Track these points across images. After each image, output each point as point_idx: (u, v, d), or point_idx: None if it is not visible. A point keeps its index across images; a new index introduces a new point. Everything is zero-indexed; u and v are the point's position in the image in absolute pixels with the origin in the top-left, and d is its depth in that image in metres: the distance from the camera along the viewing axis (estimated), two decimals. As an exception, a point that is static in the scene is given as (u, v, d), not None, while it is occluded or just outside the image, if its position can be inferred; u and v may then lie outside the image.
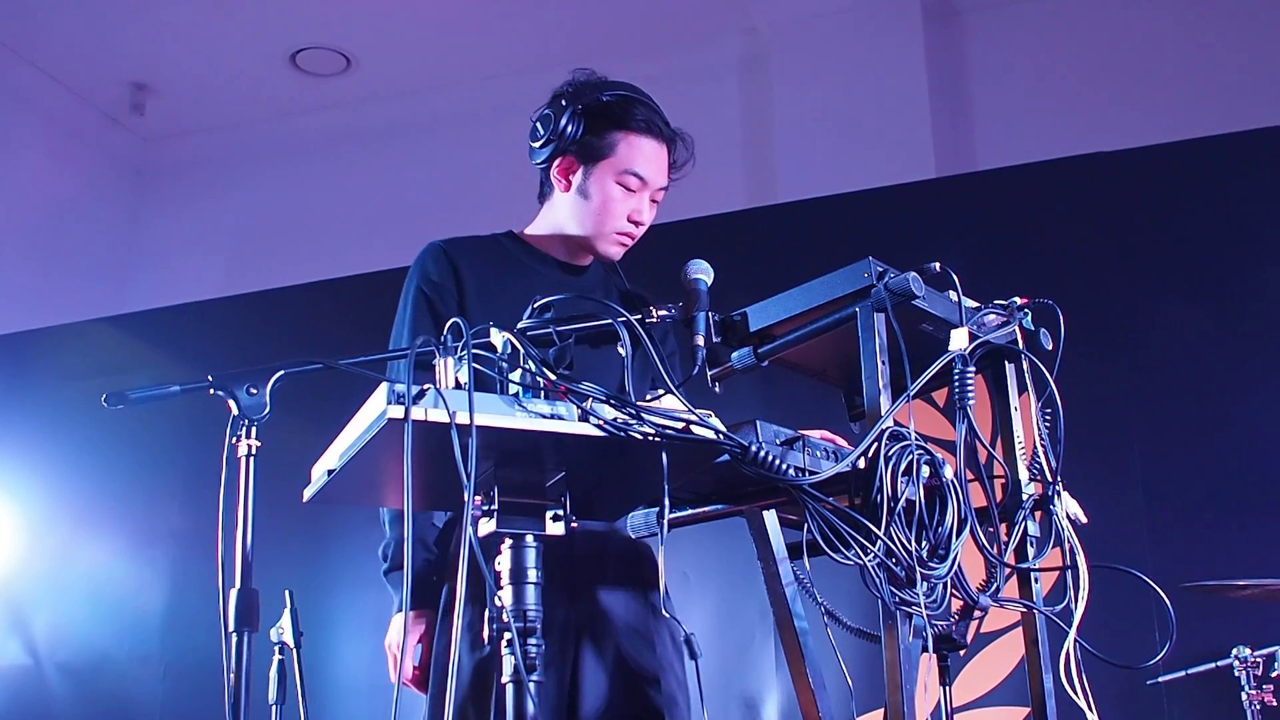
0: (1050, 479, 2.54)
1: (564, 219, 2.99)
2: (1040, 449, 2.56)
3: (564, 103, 2.91)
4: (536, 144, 2.95)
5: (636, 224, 2.96)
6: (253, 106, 7.68)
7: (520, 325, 2.34)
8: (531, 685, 2.04)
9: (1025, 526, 2.52)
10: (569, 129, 2.88)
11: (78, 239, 7.59)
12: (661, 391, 2.27)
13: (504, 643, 2.05)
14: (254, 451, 2.07)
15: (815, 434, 2.55)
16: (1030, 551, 2.52)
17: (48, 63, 7.23)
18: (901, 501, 2.20)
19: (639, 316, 2.36)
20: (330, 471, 2.05)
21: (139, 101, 7.49)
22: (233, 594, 2.02)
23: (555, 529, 2.15)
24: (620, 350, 2.24)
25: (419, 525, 2.78)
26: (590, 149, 2.90)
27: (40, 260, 7.23)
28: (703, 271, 2.57)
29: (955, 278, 2.45)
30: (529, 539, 2.14)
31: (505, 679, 2.06)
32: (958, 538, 2.28)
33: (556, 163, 2.95)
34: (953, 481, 2.29)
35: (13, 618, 6.09)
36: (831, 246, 5.12)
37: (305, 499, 2.16)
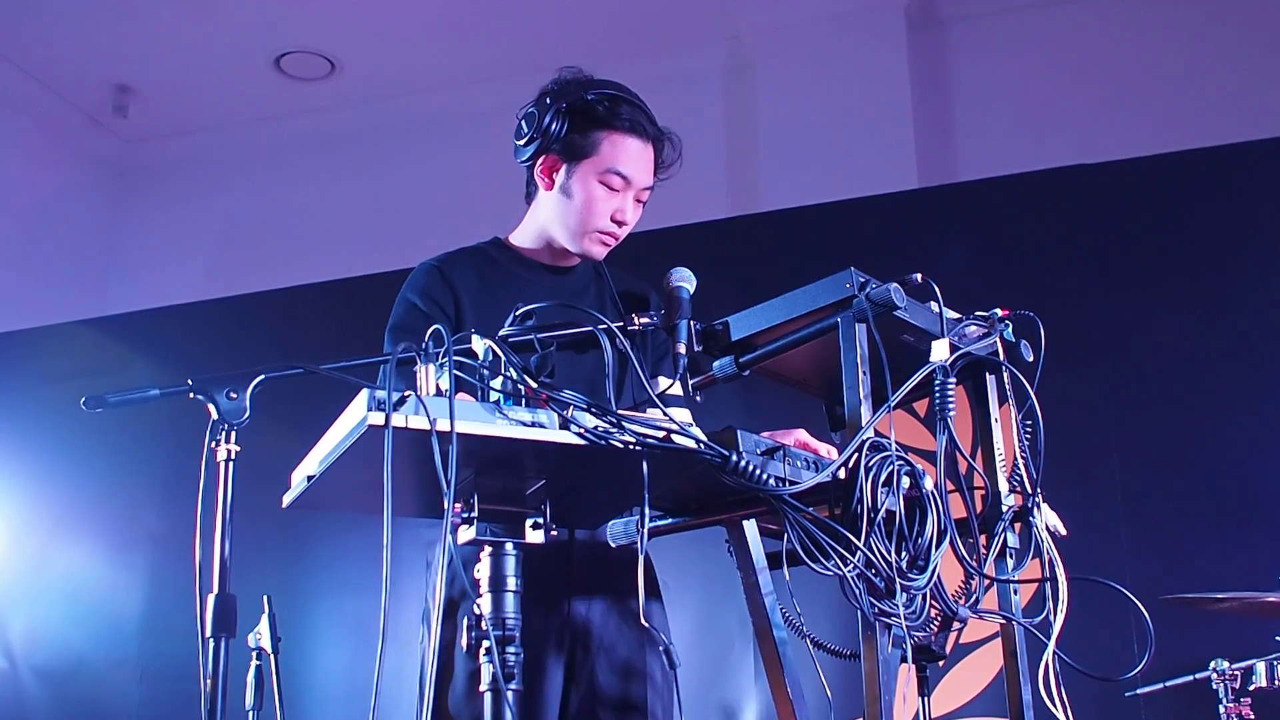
0: (1030, 490, 2.55)
1: (547, 219, 2.98)
2: (1020, 460, 2.57)
3: (549, 101, 2.90)
4: (521, 142, 2.94)
5: (620, 224, 2.94)
6: (236, 109, 7.66)
7: (501, 332, 2.33)
8: (510, 694, 2.03)
9: (1005, 538, 2.52)
10: (553, 127, 2.87)
11: (59, 241, 7.57)
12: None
13: (482, 651, 2.05)
14: (233, 456, 2.06)
15: (790, 435, 2.56)
16: (1009, 563, 2.53)
17: (30, 64, 7.21)
18: (881, 512, 2.20)
19: (620, 325, 2.36)
20: (310, 477, 2.05)
21: (122, 103, 7.47)
22: (210, 599, 2.01)
23: (535, 537, 2.15)
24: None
25: None
26: (574, 147, 2.89)
27: (20, 261, 7.20)
28: (685, 279, 2.57)
29: (937, 289, 2.45)
30: (508, 547, 2.14)
31: (484, 687, 2.06)
32: (937, 549, 2.28)
33: (540, 161, 2.94)
34: (933, 492, 2.30)
35: (-11, 620, 6.08)
36: (814, 256, 5.12)
37: (285, 505, 2.15)
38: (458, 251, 3.03)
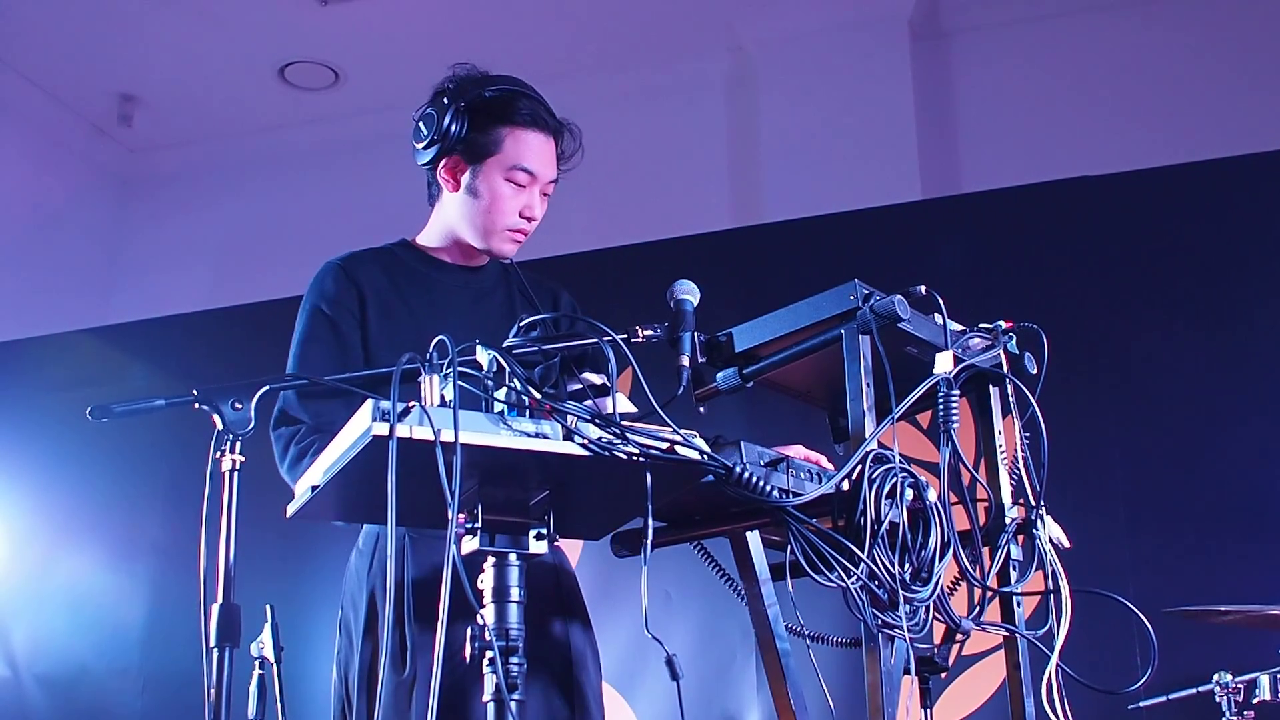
0: (1033, 503, 2.55)
1: (454, 219, 2.97)
2: (1024, 473, 2.57)
3: (446, 100, 2.89)
4: (420, 145, 2.94)
5: (529, 219, 2.92)
6: (240, 119, 7.66)
7: (506, 343, 2.34)
8: (514, 704, 2.03)
9: (1008, 550, 2.52)
10: (453, 128, 2.86)
11: (63, 249, 7.57)
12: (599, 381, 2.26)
13: (485, 661, 2.05)
14: (238, 466, 2.07)
15: (793, 450, 2.56)
16: (1013, 575, 2.53)
17: (35, 73, 7.22)
18: (885, 524, 2.21)
19: (625, 336, 2.37)
20: (314, 488, 2.05)
21: (126, 113, 7.47)
22: (215, 609, 2.02)
23: (539, 547, 2.15)
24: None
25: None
26: (476, 147, 2.87)
27: (24, 270, 7.20)
28: (688, 291, 2.57)
29: (940, 301, 2.45)
30: (512, 557, 2.14)
31: (487, 698, 2.06)
32: (940, 561, 2.28)
33: (443, 163, 2.93)
34: (936, 504, 2.30)
35: (-8, 628, 6.08)
36: (816, 268, 5.12)
37: (289, 515, 2.15)
38: (363, 251, 3.01)
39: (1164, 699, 3.89)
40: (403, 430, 1.87)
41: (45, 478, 6.16)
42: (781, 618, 2.46)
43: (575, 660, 2.76)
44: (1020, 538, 2.55)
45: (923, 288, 2.43)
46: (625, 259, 4.92)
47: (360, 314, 2.86)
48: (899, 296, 2.37)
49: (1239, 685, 3.75)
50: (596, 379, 2.67)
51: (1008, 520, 2.55)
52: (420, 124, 2.93)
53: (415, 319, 2.70)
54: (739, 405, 4.19)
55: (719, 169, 6.87)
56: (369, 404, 1.87)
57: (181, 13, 6.67)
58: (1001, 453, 2.63)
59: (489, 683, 2.06)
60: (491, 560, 2.14)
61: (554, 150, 2.92)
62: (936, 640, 2.53)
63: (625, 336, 2.36)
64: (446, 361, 1.98)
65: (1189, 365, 4.75)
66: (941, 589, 2.31)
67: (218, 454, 2.07)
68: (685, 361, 2.48)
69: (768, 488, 2.18)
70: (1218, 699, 3.76)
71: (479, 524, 2.09)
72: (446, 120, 2.86)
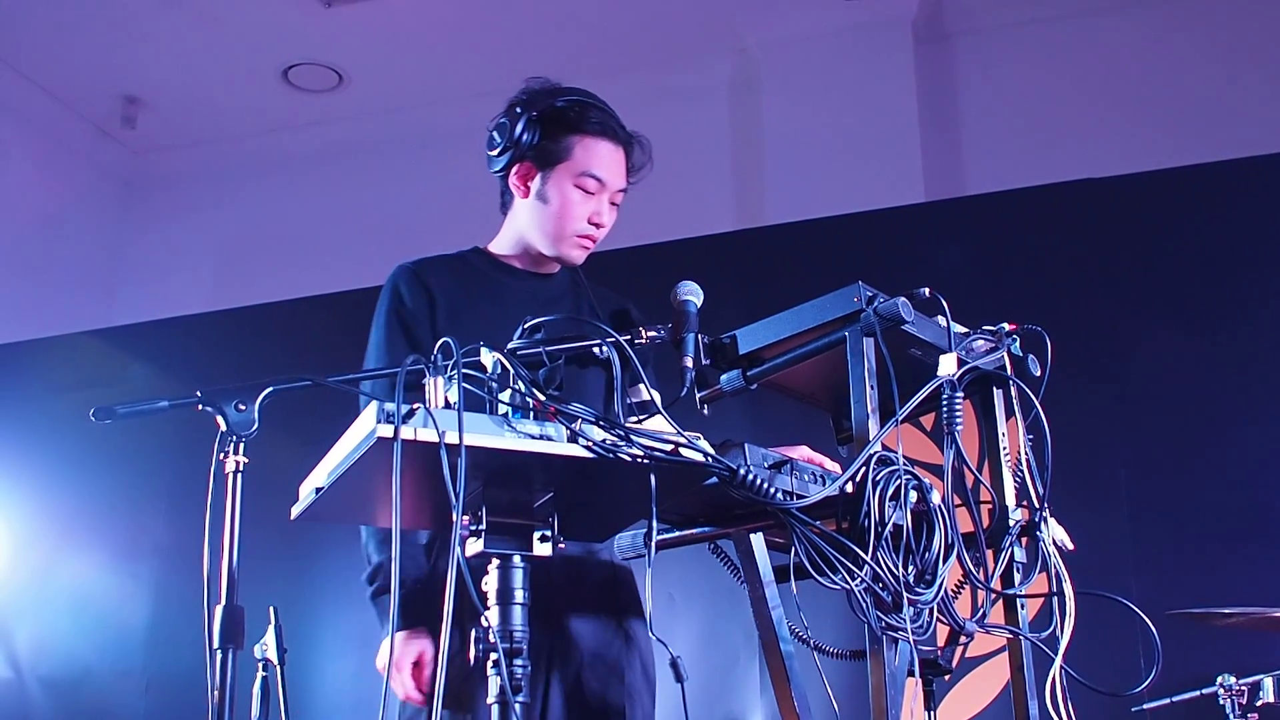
0: (1037, 505, 2.55)
1: (525, 226, 3.00)
2: (1027, 475, 2.57)
3: (519, 110, 2.93)
4: (494, 153, 2.97)
5: (597, 225, 2.96)
6: (244, 121, 7.67)
7: (510, 345, 2.34)
8: (518, 706, 2.04)
9: (1012, 552, 2.52)
10: (524, 136, 2.91)
11: (66, 251, 7.57)
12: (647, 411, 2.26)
13: (490, 663, 2.05)
14: (241, 468, 2.07)
15: (796, 451, 2.56)
16: (1016, 577, 2.52)
17: (39, 74, 7.22)
18: (889, 526, 2.20)
19: (628, 337, 2.37)
20: (319, 489, 2.05)
21: (130, 114, 7.47)
22: (218, 610, 2.02)
23: (543, 550, 2.15)
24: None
25: (406, 546, 2.76)
26: (547, 153, 2.92)
27: (27, 271, 7.20)
28: (692, 293, 2.57)
29: (944, 303, 2.45)
30: (516, 559, 2.14)
31: (491, 700, 2.06)
32: (944, 563, 2.28)
33: (514, 170, 2.97)
34: (940, 507, 2.30)
35: (-5, 630, 6.08)
36: (820, 269, 5.12)
37: (293, 516, 2.15)
38: (435, 257, 3.05)
39: (1167, 701, 3.89)
40: (407, 432, 1.87)
41: (48, 479, 6.17)
42: (785, 620, 2.46)
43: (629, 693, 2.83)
44: (1024, 540, 2.55)
45: (926, 290, 2.43)
46: (629, 261, 4.91)
47: (431, 316, 2.90)
48: (903, 299, 2.36)
49: (1243, 687, 3.74)
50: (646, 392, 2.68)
51: (1011, 522, 2.54)
52: (494, 133, 2.97)
53: (483, 323, 2.71)
54: (743, 407, 4.20)
55: (723, 171, 6.87)
56: (373, 405, 1.87)
57: (185, 15, 6.68)
58: (1005, 455, 2.63)
59: (493, 684, 2.06)
60: (496, 562, 2.14)
61: (623, 160, 2.98)
62: (940, 642, 2.53)
63: (629, 338, 2.36)
64: (451, 363, 1.98)
65: (1193, 367, 4.75)
66: (945, 591, 2.31)
67: (221, 455, 2.07)
68: (689, 363, 2.48)
69: (772, 490, 2.18)
70: (1221, 701, 3.76)
71: (483, 526, 2.09)
72: (519, 129, 2.91)
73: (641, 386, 2.76)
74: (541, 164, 2.94)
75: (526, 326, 2.45)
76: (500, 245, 3.09)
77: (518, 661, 2.07)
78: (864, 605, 2.19)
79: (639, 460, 2.01)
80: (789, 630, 2.48)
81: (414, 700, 2.73)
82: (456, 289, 2.95)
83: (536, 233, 2.98)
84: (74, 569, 6.02)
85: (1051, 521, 2.55)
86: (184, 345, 6.22)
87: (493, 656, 2.05)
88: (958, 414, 2.38)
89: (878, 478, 2.22)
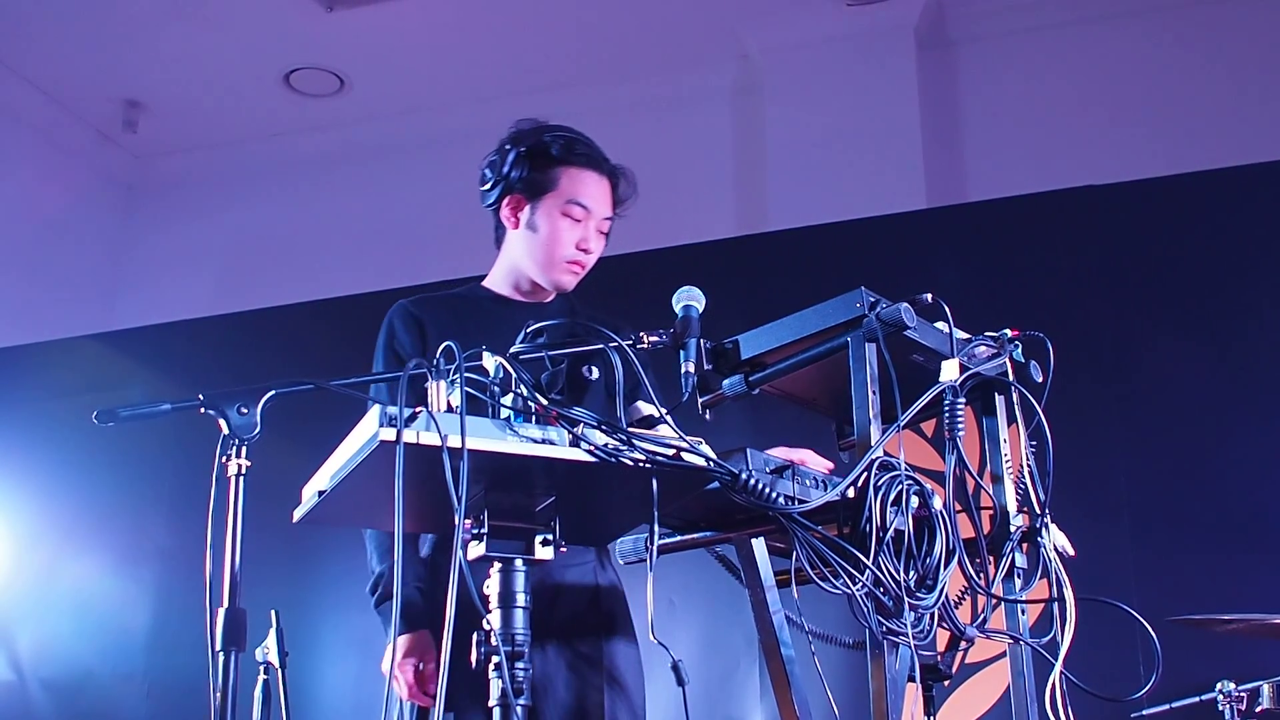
0: (1038, 511, 2.55)
1: (517, 256, 3.12)
2: (1029, 481, 2.57)
3: (508, 147, 3.07)
4: (485, 187, 3.11)
5: (585, 251, 3.08)
6: (245, 125, 7.67)
7: (512, 350, 2.34)
8: (519, 709, 2.04)
9: (1013, 558, 2.52)
10: (514, 171, 3.04)
11: (67, 255, 7.58)
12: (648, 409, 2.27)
13: (491, 666, 2.06)
14: (244, 471, 2.07)
15: (797, 454, 2.57)
16: (1017, 583, 2.53)
17: (41, 78, 7.23)
18: (890, 531, 2.21)
19: (630, 341, 2.37)
20: (321, 493, 2.06)
21: (132, 118, 7.47)
22: (220, 613, 2.02)
23: (544, 553, 2.16)
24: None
25: (407, 555, 2.82)
26: (535, 185, 3.05)
27: (29, 275, 7.20)
28: (694, 298, 2.58)
29: (947, 309, 2.46)
30: (518, 563, 2.14)
31: (492, 702, 2.06)
32: (945, 568, 2.28)
33: (505, 202, 3.10)
34: (941, 512, 2.30)
35: (-3, 633, 6.08)
36: (823, 275, 5.12)
37: (295, 519, 2.16)
38: (432, 294, 3.19)
39: (1167, 707, 3.89)
40: (409, 436, 1.87)
41: (50, 483, 6.17)
42: (786, 624, 2.46)
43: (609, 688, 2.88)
44: (1025, 546, 2.55)
45: (929, 296, 2.43)
46: (631, 266, 4.92)
47: (423, 347, 3.00)
48: (905, 304, 2.37)
49: (1242, 694, 3.74)
50: (647, 409, 2.71)
51: (1012, 528, 2.55)
52: (485, 169, 3.11)
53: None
54: (745, 412, 4.21)
55: (725, 177, 6.87)
56: (376, 409, 1.88)
57: (187, 19, 6.68)
58: (1006, 461, 2.64)
59: (494, 687, 2.07)
60: (497, 565, 2.14)
61: (609, 190, 3.11)
62: (941, 648, 2.53)
63: (630, 343, 2.37)
64: (453, 368, 1.99)
65: (1194, 374, 4.75)
66: (946, 596, 2.31)
67: (223, 459, 2.07)
68: (691, 368, 2.49)
69: (773, 494, 2.18)
70: (1221, 707, 3.76)
71: (485, 529, 2.09)
72: (508, 163, 3.05)
73: (640, 403, 2.79)
74: (530, 195, 3.07)
75: (528, 331, 2.45)
76: (495, 278, 3.20)
77: (519, 664, 2.08)
78: (865, 610, 2.20)
79: (641, 464, 2.02)
80: (784, 616, 2.49)
81: (416, 700, 2.78)
82: (450, 322, 3.04)
83: (528, 261, 3.10)
84: (76, 572, 6.02)
85: (1052, 527, 2.56)
86: (186, 349, 6.22)
87: (494, 659, 2.05)
88: (959, 420, 2.39)
89: (879, 483, 2.23)
